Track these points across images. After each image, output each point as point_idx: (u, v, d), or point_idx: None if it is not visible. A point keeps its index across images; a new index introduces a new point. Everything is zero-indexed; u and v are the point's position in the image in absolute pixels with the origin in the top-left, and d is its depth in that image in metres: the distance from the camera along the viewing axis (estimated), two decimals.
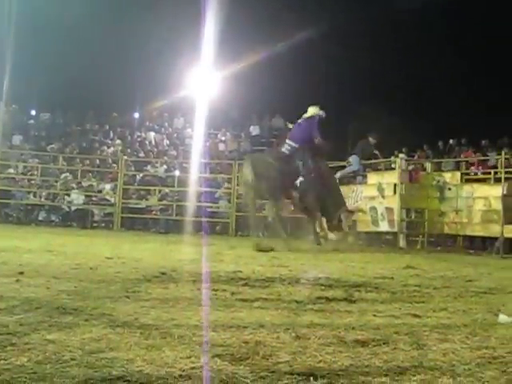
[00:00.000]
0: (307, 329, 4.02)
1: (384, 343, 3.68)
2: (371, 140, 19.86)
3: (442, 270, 9.05)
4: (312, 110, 15.00)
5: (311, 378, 2.90)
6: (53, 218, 23.53)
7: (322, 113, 15.10)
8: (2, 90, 24.66)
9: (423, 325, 4.39)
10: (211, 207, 22.48)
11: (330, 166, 21.74)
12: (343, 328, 4.10)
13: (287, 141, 14.92)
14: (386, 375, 3.00)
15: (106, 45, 30.09)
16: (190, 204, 20.98)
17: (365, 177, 19.50)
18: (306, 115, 15.06)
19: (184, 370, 2.95)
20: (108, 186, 24.09)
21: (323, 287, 6.34)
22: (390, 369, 3.12)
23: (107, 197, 23.86)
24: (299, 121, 15.22)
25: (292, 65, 31.01)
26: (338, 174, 19.89)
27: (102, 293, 5.31)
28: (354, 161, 19.69)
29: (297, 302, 5.26)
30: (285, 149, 14.78)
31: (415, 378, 2.96)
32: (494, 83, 28.40)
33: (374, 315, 4.75)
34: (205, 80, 27.14)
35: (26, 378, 2.75)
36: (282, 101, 29.13)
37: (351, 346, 3.59)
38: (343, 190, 19.20)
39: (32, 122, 31.90)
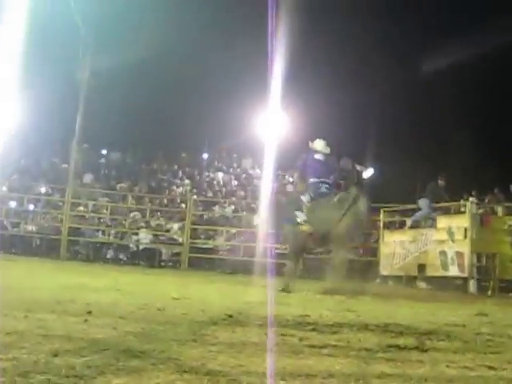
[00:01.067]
0: (378, 379, 3.89)
1: None
2: (440, 182, 19.65)
3: None
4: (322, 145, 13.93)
5: None
6: (121, 256, 23.78)
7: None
8: (75, 129, 25.12)
9: (499, 378, 4.21)
10: (277, 248, 22.41)
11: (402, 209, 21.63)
12: (416, 380, 3.95)
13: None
14: None
15: (175, 85, 30.53)
16: (258, 244, 20.95)
17: (434, 220, 19.23)
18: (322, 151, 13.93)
19: None
20: (176, 226, 24.23)
21: (393, 334, 6.18)
22: None
23: (175, 236, 24.00)
24: (318, 157, 13.89)
25: (359, 107, 31.00)
26: (410, 222, 19.68)
27: (168, 335, 5.26)
28: (424, 204, 19.47)
29: (366, 349, 5.12)
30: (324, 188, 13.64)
31: None
32: None
33: (447, 366, 4.58)
34: (273, 120, 27.24)
35: None
36: (348, 143, 29.11)
37: None
38: (413, 233, 19.01)
39: (103, 160, 32.49)
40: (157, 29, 28.00)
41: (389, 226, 21.39)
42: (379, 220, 20.99)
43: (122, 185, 28.67)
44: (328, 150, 14.01)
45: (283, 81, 23.48)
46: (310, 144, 14.00)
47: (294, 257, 13.67)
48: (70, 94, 26.33)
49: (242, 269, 21.23)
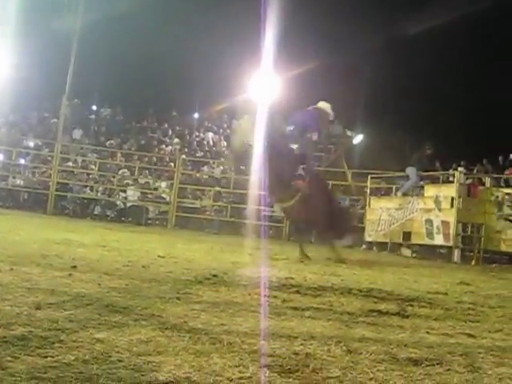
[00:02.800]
0: (359, 343, 3.93)
1: (437, 363, 3.57)
2: (427, 151, 19.67)
3: (497, 289, 8.84)
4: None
5: None
6: (108, 213, 23.75)
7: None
8: (65, 84, 24.96)
9: (478, 346, 4.25)
10: (266, 211, 22.42)
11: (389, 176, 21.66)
12: (396, 344, 3.99)
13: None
14: None
15: (168, 44, 30.38)
16: (247, 206, 20.95)
17: (422, 188, 19.27)
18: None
19: (232, 380, 2.89)
20: (164, 184, 24.20)
21: (376, 299, 6.23)
22: None
23: (163, 195, 23.99)
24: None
25: (353, 72, 30.89)
26: (400, 193, 19.71)
27: (152, 292, 5.29)
28: (411, 173, 19.48)
29: (349, 313, 5.17)
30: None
31: None
32: None
33: (428, 332, 4.63)
34: (265, 83, 27.13)
35: (71, 377, 2.71)
36: (341, 108, 28.99)
37: (404, 365, 3.49)
38: (399, 201, 19.06)
39: (93, 116, 32.34)
40: None
41: (376, 192, 21.42)
42: (366, 186, 21.01)
43: (112, 141, 28.57)
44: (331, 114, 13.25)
45: (275, 43, 23.31)
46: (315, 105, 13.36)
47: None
48: (60, 48, 26.09)
49: (228, 229, 21.28)
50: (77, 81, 26.11)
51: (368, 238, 20.17)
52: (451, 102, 30.92)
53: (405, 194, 19.53)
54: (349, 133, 26.40)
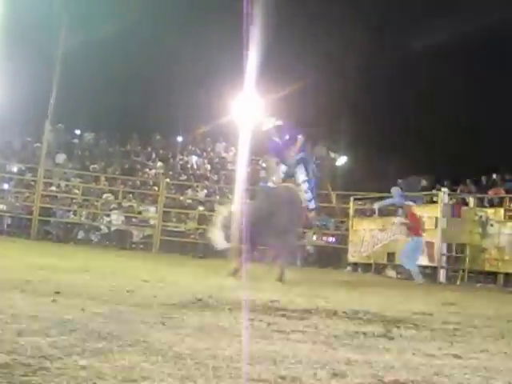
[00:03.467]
0: (345, 366, 3.91)
1: None
2: (423, 182, 19.89)
3: (482, 308, 8.88)
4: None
5: None
6: (92, 237, 23.66)
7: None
8: (48, 109, 24.92)
9: (464, 367, 4.24)
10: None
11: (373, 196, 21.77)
12: (382, 367, 3.98)
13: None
14: None
15: (151, 68, 30.43)
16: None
17: (405, 209, 19.34)
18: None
19: None
20: (153, 209, 24.09)
21: (361, 321, 6.24)
22: None
23: (150, 220, 23.90)
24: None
25: (335, 94, 31.03)
26: (376, 205, 19.81)
27: (137, 318, 5.26)
28: (395, 193, 19.59)
29: (334, 336, 5.16)
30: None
31: None
32: None
33: (414, 354, 4.62)
34: (248, 105, 27.20)
35: None
36: (325, 130, 29.12)
37: None
38: (382, 222, 19.13)
39: (76, 141, 32.25)
40: (131, 8, 27.86)
41: (360, 213, 21.49)
42: (349, 208, 21.07)
43: (95, 166, 28.51)
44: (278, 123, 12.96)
45: (258, 65, 23.39)
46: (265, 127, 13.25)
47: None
48: (43, 73, 26.06)
49: (213, 253, 21.21)
50: (60, 105, 26.03)
51: (351, 259, 20.21)
52: (434, 123, 31.08)
53: (380, 212, 19.64)
54: (332, 155, 26.49)
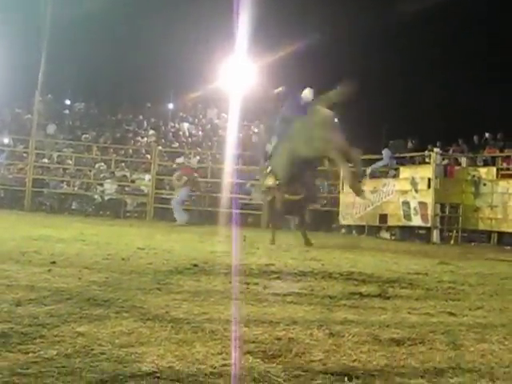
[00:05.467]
0: (341, 326, 3.94)
1: (420, 342, 3.59)
2: (410, 145, 19.88)
3: (476, 267, 8.92)
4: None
5: (346, 378, 2.83)
6: (86, 207, 23.62)
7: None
8: (37, 79, 24.74)
9: (459, 324, 4.29)
10: (243, 199, 22.40)
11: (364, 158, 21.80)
12: (378, 326, 4.01)
13: None
14: (422, 376, 2.91)
15: (141, 35, 30.20)
16: (223, 195, 20.93)
17: (397, 171, 19.36)
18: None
19: (215, 367, 2.89)
20: (146, 177, 23.99)
21: (356, 282, 6.26)
22: (427, 370, 3.03)
23: (142, 187, 23.85)
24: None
25: (326, 57, 30.88)
26: (369, 170, 19.80)
27: (133, 284, 5.28)
28: (385, 155, 19.64)
29: (330, 297, 5.18)
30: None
31: (453, 381, 2.87)
32: None
33: (409, 313, 4.66)
34: (239, 71, 27.05)
35: (54, 371, 2.70)
36: (315, 94, 28.97)
37: (386, 345, 3.51)
38: (374, 184, 19.14)
39: (66, 111, 32.08)
40: None
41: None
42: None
43: (87, 135, 28.37)
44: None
45: (248, 29, 23.22)
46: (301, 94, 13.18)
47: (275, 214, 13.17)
48: (32, 44, 25.85)
49: (207, 219, 21.22)
50: (49, 76, 25.82)
51: (343, 222, 20.22)
52: (426, 84, 31.03)
53: (373, 174, 19.66)
54: None
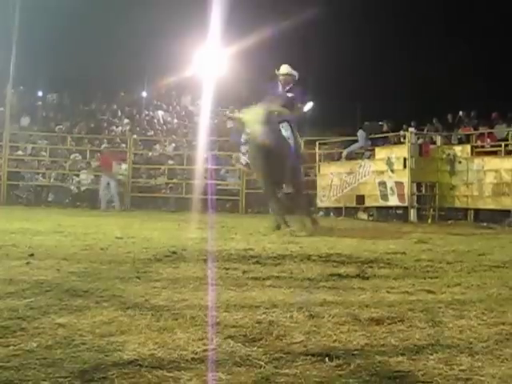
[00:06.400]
0: (321, 307, 3.96)
1: (399, 321, 3.62)
2: (385, 127, 19.98)
3: (454, 244, 8.97)
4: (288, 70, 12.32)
5: (326, 359, 2.84)
6: (62, 198, 23.53)
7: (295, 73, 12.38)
8: (9, 72, 24.55)
9: (438, 301, 4.32)
10: (220, 185, 22.43)
11: (339, 140, 21.89)
12: (357, 306, 4.04)
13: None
14: (402, 354, 2.94)
15: (111, 23, 29.97)
16: (199, 182, 20.92)
17: (372, 151, 19.46)
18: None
19: (197, 353, 2.90)
20: (123, 166, 23.91)
21: (335, 264, 6.29)
22: (407, 347, 3.06)
23: (120, 177, 23.78)
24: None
25: (300, 42, 30.87)
26: (345, 152, 19.90)
27: (112, 274, 5.27)
28: (360, 136, 19.74)
29: (309, 279, 5.21)
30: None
31: (433, 357, 2.90)
32: (508, 56, 28.26)
33: (388, 292, 4.69)
34: (212, 57, 27.01)
35: (36, 363, 2.70)
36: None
37: (366, 325, 3.54)
38: (350, 165, 19.23)
39: (39, 103, 31.93)
40: None
41: (328, 158, 21.52)
42: (315, 153, 21.05)
43: (61, 126, 28.24)
44: (295, 73, 12.36)
45: (221, 15, 23.14)
46: (276, 72, 12.93)
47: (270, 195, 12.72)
48: (2, 36, 25.63)
49: (185, 206, 21.21)
50: (20, 68, 25.65)
51: (321, 204, 20.30)
52: (397, 64, 31.13)
53: (349, 157, 19.77)
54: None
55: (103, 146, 23.46)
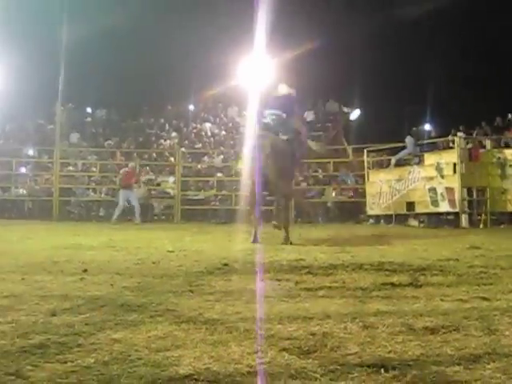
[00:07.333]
0: (374, 317, 3.94)
1: (454, 330, 3.58)
2: (432, 133, 19.90)
3: (507, 249, 8.86)
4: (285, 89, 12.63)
5: (382, 370, 2.83)
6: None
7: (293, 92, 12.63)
8: (58, 89, 24.89)
9: (493, 308, 4.27)
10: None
11: (387, 147, 21.75)
12: (411, 315, 4.01)
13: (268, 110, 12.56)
14: (458, 364, 2.91)
15: (157, 38, 30.24)
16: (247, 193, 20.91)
17: (421, 157, 19.32)
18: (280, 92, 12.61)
19: (251, 366, 2.90)
20: (171, 179, 24.09)
21: (387, 272, 6.25)
22: (463, 357, 3.03)
23: (167, 189, 23.94)
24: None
25: (345, 50, 30.81)
26: (394, 160, 19.79)
27: (165, 288, 5.30)
28: (408, 142, 19.61)
29: (362, 289, 5.18)
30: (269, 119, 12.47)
31: (490, 366, 2.87)
32: None
33: (442, 300, 4.64)
34: (258, 67, 27.05)
35: (93, 379, 2.73)
36: (335, 86, 28.99)
37: (421, 334, 3.51)
38: (399, 172, 19.10)
39: (88, 119, 32.28)
40: None
41: (377, 166, 21.42)
42: (363, 161, 20.99)
43: (110, 142, 28.55)
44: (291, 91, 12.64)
45: (267, 26, 23.17)
46: (274, 91, 12.94)
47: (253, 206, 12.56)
48: (50, 54, 25.98)
49: (235, 218, 21.25)
50: (69, 85, 25.99)
51: (370, 212, 20.21)
52: (439, 69, 30.89)
53: (398, 163, 19.66)
54: (345, 109, 26.33)
55: (130, 164, 23.38)
